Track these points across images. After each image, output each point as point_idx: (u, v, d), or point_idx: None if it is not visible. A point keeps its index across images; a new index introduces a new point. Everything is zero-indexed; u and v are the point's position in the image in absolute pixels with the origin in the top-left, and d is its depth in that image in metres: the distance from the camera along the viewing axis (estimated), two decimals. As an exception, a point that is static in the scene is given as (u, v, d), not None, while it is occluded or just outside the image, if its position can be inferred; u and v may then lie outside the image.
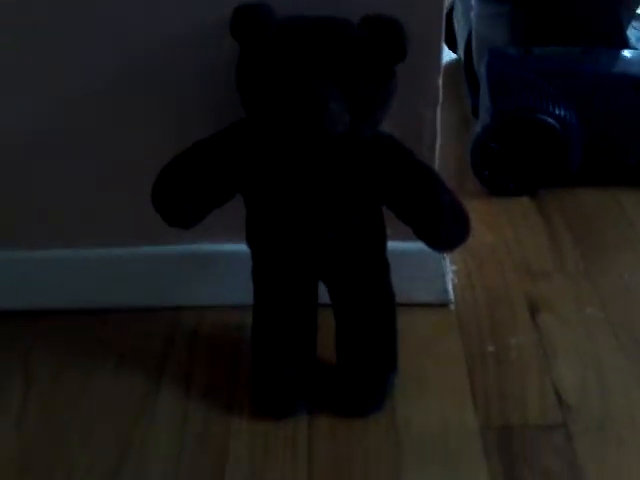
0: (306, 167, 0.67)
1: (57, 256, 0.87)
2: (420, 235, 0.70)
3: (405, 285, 0.79)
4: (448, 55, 1.44)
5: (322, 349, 0.78)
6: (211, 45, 0.74)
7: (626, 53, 1.10)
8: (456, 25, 1.39)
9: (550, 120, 1.06)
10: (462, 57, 1.31)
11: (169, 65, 0.76)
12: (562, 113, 1.06)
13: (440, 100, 0.78)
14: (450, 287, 0.89)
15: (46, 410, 0.77)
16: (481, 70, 1.14)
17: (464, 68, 1.29)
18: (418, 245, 0.82)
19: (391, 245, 0.76)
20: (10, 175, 0.83)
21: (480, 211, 1.03)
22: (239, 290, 0.79)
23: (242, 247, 0.76)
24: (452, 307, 0.88)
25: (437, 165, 0.80)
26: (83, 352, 0.84)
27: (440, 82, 0.77)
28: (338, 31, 0.64)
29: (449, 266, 0.90)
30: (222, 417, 0.75)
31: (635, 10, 1.16)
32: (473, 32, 1.20)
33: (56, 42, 0.76)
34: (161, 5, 0.73)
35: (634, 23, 1.17)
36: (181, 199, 0.70)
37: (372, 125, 0.67)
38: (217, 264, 0.86)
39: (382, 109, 0.67)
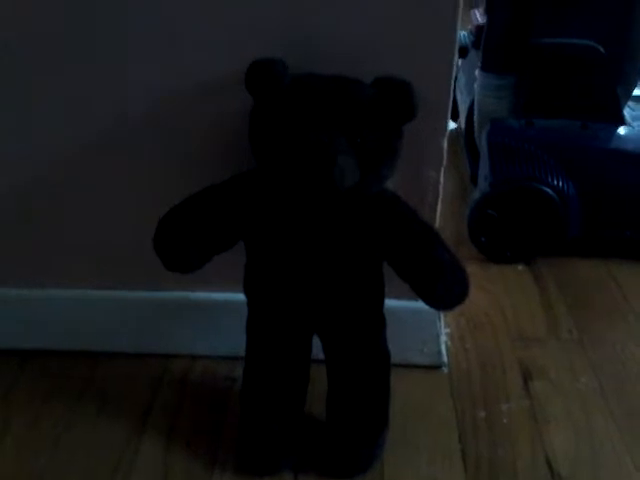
0: (311, 220, 0.68)
1: (48, 296, 0.87)
2: (419, 292, 0.70)
3: (399, 345, 0.79)
4: (449, 125, 1.47)
5: (313, 405, 0.77)
6: (223, 96, 0.75)
7: (622, 130, 1.13)
8: (458, 95, 1.42)
9: (548, 190, 1.07)
10: (463, 126, 1.33)
11: (182, 115, 0.78)
12: (560, 184, 1.08)
13: (444, 162, 0.80)
14: (444, 349, 0.88)
15: (22, 455, 0.75)
16: (482, 139, 1.16)
17: (464, 137, 1.32)
18: (413, 304, 0.82)
19: (386, 303, 0.76)
20: (7, 216, 0.84)
21: (476, 276, 1.03)
22: (231, 341, 0.78)
23: (237, 297, 0.75)
24: (445, 370, 0.88)
25: (437, 226, 0.81)
26: (66, 395, 0.83)
27: (445, 144, 0.79)
28: (350, 88, 0.66)
29: (443, 328, 0.90)
30: (204, 471, 0.74)
31: (632, 90, 1.19)
32: (475, 102, 1.23)
33: (75, 86, 0.77)
34: (176, 57, 0.75)
35: (630, 103, 1.20)
36: (183, 243, 0.69)
37: (379, 182, 0.68)
38: (211, 313, 0.86)
39: (389, 166, 0.68)
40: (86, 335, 0.88)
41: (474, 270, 1.04)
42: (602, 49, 1.09)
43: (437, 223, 0.82)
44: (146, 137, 0.79)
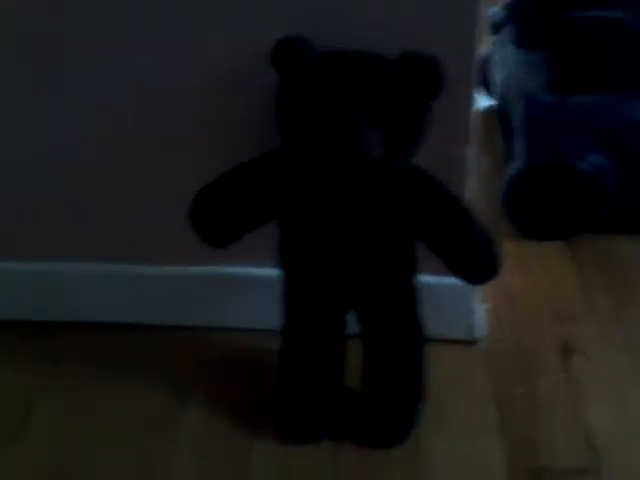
0: (340, 194, 0.68)
1: (78, 270, 0.88)
2: (452, 267, 0.71)
3: (435, 320, 0.79)
4: (484, 102, 1.45)
5: (350, 378, 0.77)
6: (249, 78, 0.76)
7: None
8: (493, 72, 1.40)
9: (584, 166, 1.06)
10: (497, 103, 1.32)
11: (208, 96, 0.78)
12: (596, 160, 1.06)
13: (471, 136, 0.79)
14: (480, 325, 0.88)
15: (59, 427, 0.77)
16: (517, 115, 1.14)
17: (498, 114, 1.30)
18: (449, 280, 0.82)
19: (422, 278, 0.76)
20: (32, 187, 0.85)
21: (512, 253, 1.02)
22: (267, 314, 0.79)
23: (270, 271, 0.76)
24: (481, 345, 0.87)
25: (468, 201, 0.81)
26: (105, 368, 0.84)
27: (471, 118, 0.78)
28: (375, 64, 0.66)
29: (479, 304, 0.89)
30: (244, 440, 0.75)
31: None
32: (509, 78, 1.21)
33: (88, 75, 0.79)
34: (202, 41, 0.76)
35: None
36: (220, 217, 0.71)
37: (405, 157, 0.68)
38: (246, 287, 0.87)
39: (415, 142, 0.68)
40: (124, 308, 0.89)
41: (510, 247, 1.03)
42: (635, 22, 1.07)
43: (466, 199, 0.81)
44: (176, 116, 0.80)
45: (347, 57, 0.66)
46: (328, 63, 0.66)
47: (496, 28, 1.38)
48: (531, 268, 1.03)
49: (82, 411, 0.79)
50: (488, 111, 1.41)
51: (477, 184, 0.83)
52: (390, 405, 0.75)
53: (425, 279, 0.77)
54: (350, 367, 0.77)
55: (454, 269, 0.71)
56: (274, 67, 0.68)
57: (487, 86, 1.41)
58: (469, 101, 0.78)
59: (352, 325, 0.77)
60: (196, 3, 0.74)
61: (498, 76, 1.33)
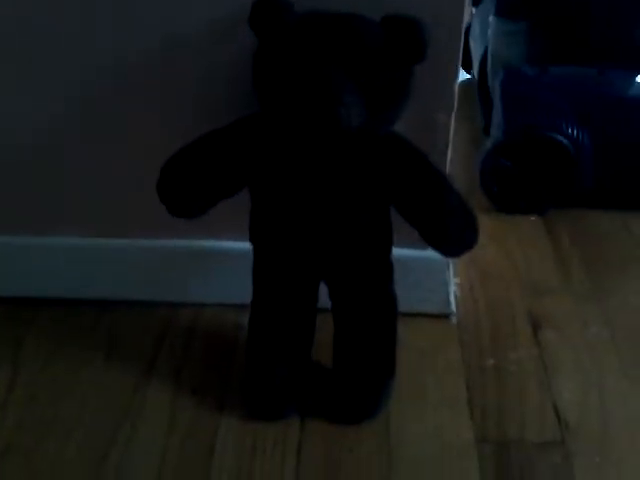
0: (316, 162, 0.66)
1: (55, 244, 0.86)
2: (427, 237, 0.69)
3: (407, 293, 0.78)
4: (462, 75, 1.43)
5: (320, 353, 0.76)
6: (224, 41, 0.74)
7: (640, 77, 1.10)
8: (472, 44, 1.39)
9: (562, 139, 1.05)
10: (476, 76, 1.30)
11: (182, 60, 0.76)
12: (574, 133, 1.05)
13: (456, 107, 0.78)
14: (452, 298, 0.87)
15: (32, 400, 0.76)
16: (495, 87, 1.13)
17: (478, 86, 1.29)
18: (422, 254, 0.81)
19: (395, 252, 0.75)
20: (15, 163, 0.83)
21: (487, 227, 1.00)
22: (237, 289, 0.77)
23: (243, 245, 0.75)
24: (453, 319, 0.87)
25: (447, 172, 0.80)
26: (75, 342, 0.83)
27: (456, 87, 0.77)
28: (357, 27, 0.63)
29: (452, 278, 0.89)
30: (211, 416, 0.74)
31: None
32: (489, 50, 1.20)
33: (65, 38, 0.76)
34: (175, 2, 0.74)
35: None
36: (186, 188, 0.69)
37: (386, 123, 0.66)
38: (216, 261, 0.85)
39: (397, 108, 0.66)
40: (93, 283, 0.88)
41: (485, 221, 1.01)
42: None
43: (447, 169, 0.80)
44: (147, 83, 0.78)
45: (328, 19, 0.63)
46: (308, 25, 0.63)
47: (476, 0, 1.37)
48: (506, 242, 1.02)
49: (43, 387, 0.78)
50: (466, 84, 1.40)
51: (454, 158, 0.81)
52: (361, 380, 0.74)
53: (399, 252, 0.75)
54: (320, 342, 0.76)
55: (429, 239, 0.69)
56: (252, 29, 0.65)
57: (465, 60, 1.39)
58: (455, 70, 0.76)
59: (323, 299, 0.76)
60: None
61: (478, 49, 1.31)
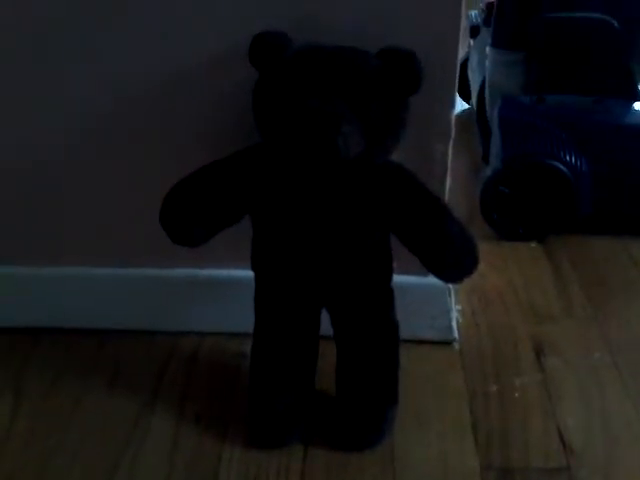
0: (316, 191, 0.67)
1: (56, 275, 0.87)
2: (427, 264, 0.69)
3: (409, 320, 0.78)
4: (461, 105, 1.45)
5: (323, 380, 0.76)
6: (227, 73, 0.75)
7: (636, 105, 1.11)
8: (470, 75, 1.41)
9: (560, 166, 1.06)
10: (475, 106, 1.32)
11: (184, 93, 0.78)
12: (572, 160, 1.06)
13: (452, 135, 0.79)
14: (454, 325, 0.87)
15: (34, 429, 0.76)
16: (493, 116, 1.14)
17: (476, 116, 1.30)
18: (424, 281, 0.81)
19: (396, 279, 0.75)
20: (15, 194, 0.84)
21: (488, 253, 1.02)
22: (240, 317, 0.78)
23: (245, 273, 0.75)
24: (456, 345, 0.87)
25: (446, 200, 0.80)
26: (77, 372, 0.83)
27: (453, 116, 0.78)
28: (354, 58, 0.65)
29: (454, 304, 0.89)
30: (214, 445, 0.73)
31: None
32: (487, 80, 1.21)
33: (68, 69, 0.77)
34: (177, 37, 0.75)
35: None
36: (188, 216, 0.69)
37: (384, 152, 0.67)
38: (219, 290, 0.86)
39: (394, 137, 0.67)
40: (96, 313, 0.88)
41: (486, 248, 1.02)
42: (616, 23, 1.07)
43: (446, 197, 0.81)
44: (149, 116, 0.79)
45: (325, 51, 0.65)
46: (306, 57, 0.65)
47: (473, 31, 1.39)
48: (507, 268, 1.03)
49: (45, 415, 0.77)
50: (465, 114, 1.42)
51: (454, 187, 0.82)
52: (363, 407, 0.74)
53: (400, 279, 0.76)
54: (323, 369, 0.76)
55: (429, 266, 0.69)
56: (251, 62, 0.67)
57: (463, 90, 1.41)
58: (451, 99, 0.77)
59: (325, 326, 0.76)
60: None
61: (476, 79, 1.33)
